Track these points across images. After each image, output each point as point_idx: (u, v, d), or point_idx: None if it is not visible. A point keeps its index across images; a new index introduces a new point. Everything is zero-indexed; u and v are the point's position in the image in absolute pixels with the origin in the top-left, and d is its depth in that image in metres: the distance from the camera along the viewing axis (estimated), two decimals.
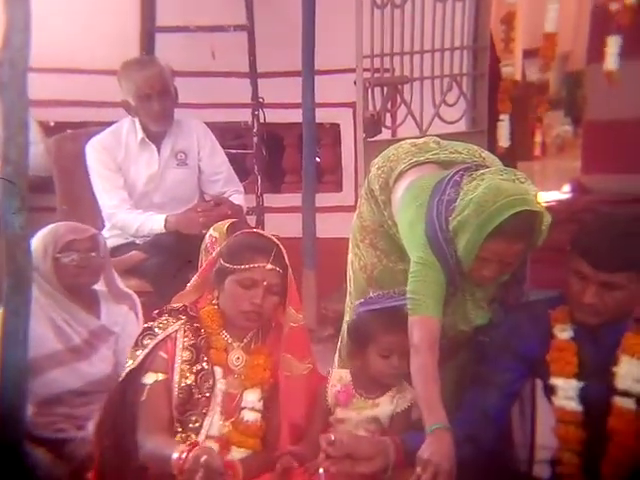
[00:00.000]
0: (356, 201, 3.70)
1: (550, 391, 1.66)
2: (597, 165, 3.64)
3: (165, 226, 2.76)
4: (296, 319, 1.91)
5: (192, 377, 1.79)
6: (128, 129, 2.86)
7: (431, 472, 1.48)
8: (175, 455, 1.60)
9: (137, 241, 2.79)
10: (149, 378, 1.79)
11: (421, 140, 2.06)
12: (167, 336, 1.82)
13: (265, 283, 1.82)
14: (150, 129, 2.83)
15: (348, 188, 4.01)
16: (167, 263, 2.63)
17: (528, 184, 1.76)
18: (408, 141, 2.06)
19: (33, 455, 1.92)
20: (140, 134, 2.84)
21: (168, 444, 1.68)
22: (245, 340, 1.88)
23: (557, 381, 1.63)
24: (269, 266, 1.82)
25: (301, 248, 3.50)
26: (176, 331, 1.83)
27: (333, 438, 1.59)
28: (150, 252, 2.71)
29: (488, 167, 1.84)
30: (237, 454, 1.80)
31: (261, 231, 1.99)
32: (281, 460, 1.75)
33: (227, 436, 1.79)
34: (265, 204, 3.61)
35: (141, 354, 1.81)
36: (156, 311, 1.90)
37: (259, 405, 1.83)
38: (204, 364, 1.81)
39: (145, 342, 1.82)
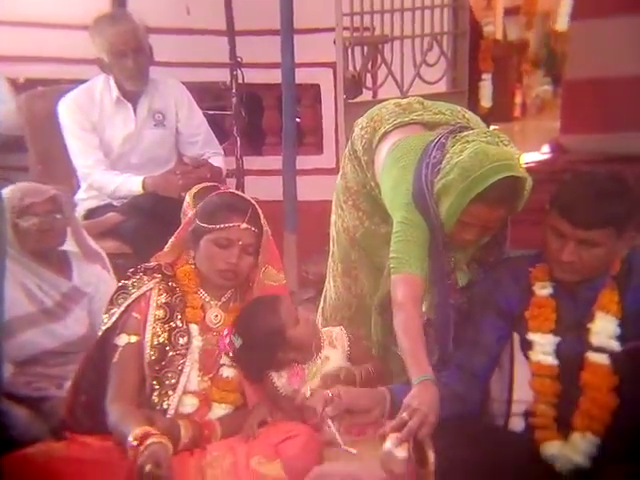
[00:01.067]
0: (337, 163, 3.69)
1: (527, 346, 1.68)
2: (576, 125, 3.65)
3: (143, 188, 2.72)
4: (277, 279, 1.93)
5: (165, 335, 1.80)
6: (102, 87, 2.79)
7: (419, 419, 1.51)
8: (130, 438, 1.62)
9: (114, 203, 2.75)
10: (122, 340, 1.80)
11: (405, 100, 2.05)
12: (141, 295, 1.83)
13: (240, 243, 1.83)
14: (125, 87, 2.77)
15: (329, 150, 3.98)
16: (145, 225, 2.60)
17: (511, 147, 1.76)
18: (392, 101, 2.05)
19: (11, 413, 1.92)
20: (115, 92, 2.78)
21: (129, 419, 1.68)
22: (223, 299, 1.89)
23: (535, 337, 1.66)
24: (244, 225, 1.83)
25: (282, 211, 3.49)
26: (150, 289, 1.84)
27: (331, 395, 1.62)
28: (128, 214, 2.68)
29: (472, 129, 1.84)
30: (219, 410, 1.83)
31: (236, 191, 1.98)
32: (253, 413, 1.79)
33: (207, 392, 1.82)
34: (245, 167, 3.58)
35: (116, 312, 1.82)
36: (131, 270, 1.91)
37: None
38: (178, 322, 1.82)
39: (119, 301, 1.83)
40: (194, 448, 1.74)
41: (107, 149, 2.78)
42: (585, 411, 1.58)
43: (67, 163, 2.79)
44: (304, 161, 3.73)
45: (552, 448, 1.60)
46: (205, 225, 1.85)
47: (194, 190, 1.99)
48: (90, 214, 2.69)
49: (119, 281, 1.91)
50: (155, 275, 1.86)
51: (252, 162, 3.79)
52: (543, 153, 3.88)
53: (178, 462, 1.68)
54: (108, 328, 1.82)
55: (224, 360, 1.85)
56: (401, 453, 1.48)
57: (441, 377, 1.72)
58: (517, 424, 1.73)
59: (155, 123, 2.81)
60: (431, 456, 1.49)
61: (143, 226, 2.60)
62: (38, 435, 1.86)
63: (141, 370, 1.78)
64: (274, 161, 3.72)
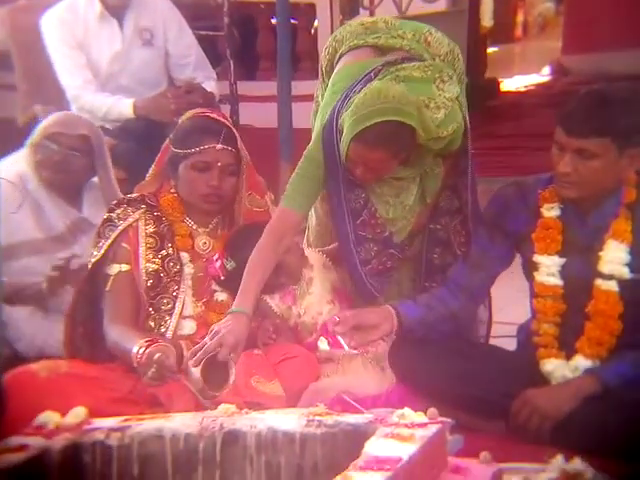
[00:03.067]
0: None
1: (533, 267, 1.68)
2: (577, 44, 3.55)
3: (134, 111, 2.66)
4: (261, 204, 1.92)
5: (158, 262, 1.82)
6: (85, 2, 2.69)
7: (218, 341, 1.58)
8: (135, 349, 1.64)
9: (107, 125, 2.69)
10: (113, 269, 1.82)
11: (371, 19, 2.02)
12: (128, 226, 1.83)
13: (219, 164, 1.81)
14: (108, 2, 2.67)
15: None
16: (139, 150, 2.56)
17: (449, 84, 1.72)
18: (358, 20, 2.01)
19: (14, 323, 1.95)
20: (98, 7, 2.68)
21: (130, 336, 1.71)
22: (211, 226, 1.89)
23: (540, 258, 1.66)
24: (219, 146, 1.80)
25: (277, 139, 3.42)
26: (137, 220, 1.84)
27: (337, 319, 1.65)
28: (120, 138, 2.63)
29: (421, 59, 1.79)
30: None
31: (210, 112, 1.93)
32: (260, 335, 1.81)
33: (204, 316, 1.84)
34: (239, 92, 3.48)
35: (104, 245, 1.82)
36: (114, 202, 1.90)
37: None
38: (169, 250, 1.83)
39: (107, 233, 1.83)
40: None
41: (95, 69, 2.70)
42: (592, 337, 1.59)
43: (56, 82, 2.71)
44: (300, 86, 3.63)
45: (551, 365, 1.63)
46: (180, 151, 1.83)
47: (186, 117, 1.94)
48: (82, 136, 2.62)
49: None
50: (140, 206, 1.86)
51: (246, 87, 3.68)
52: (543, 75, 3.79)
53: (179, 381, 1.70)
54: (97, 260, 1.82)
55: (215, 286, 1.86)
56: (197, 372, 1.57)
57: (438, 294, 1.73)
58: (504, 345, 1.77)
59: (143, 42, 2.72)
60: (232, 377, 1.57)
61: (137, 151, 2.56)
62: (43, 348, 1.88)
63: (135, 297, 1.80)
64: (269, 86, 3.62)
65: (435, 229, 1.89)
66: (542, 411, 1.55)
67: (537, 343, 1.65)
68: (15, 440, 1.13)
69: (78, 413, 1.20)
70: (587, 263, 1.61)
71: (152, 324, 1.79)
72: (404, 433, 1.08)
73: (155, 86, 2.77)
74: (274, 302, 1.90)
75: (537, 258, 1.66)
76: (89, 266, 1.85)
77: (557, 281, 1.63)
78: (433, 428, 1.11)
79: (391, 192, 1.86)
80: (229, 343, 1.59)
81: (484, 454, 1.13)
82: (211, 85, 2.84)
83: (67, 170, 2.12)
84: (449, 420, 1.18)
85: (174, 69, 2.82)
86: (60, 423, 1.18)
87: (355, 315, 1.69)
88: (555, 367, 1.62)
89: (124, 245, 1.82)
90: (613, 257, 1.59)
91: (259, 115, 3.40)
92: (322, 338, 1.84)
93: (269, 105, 3.52)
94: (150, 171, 1.93)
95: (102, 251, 1.82)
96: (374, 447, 1.05)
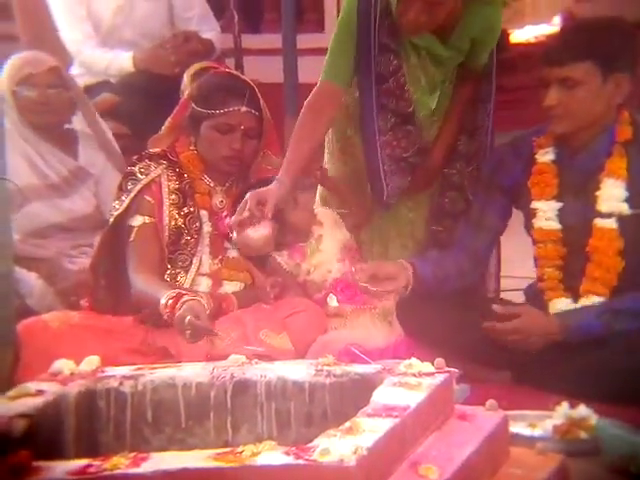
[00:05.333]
0: None
1: (532, 215, 1.68)
2: None
3: (134, 65, 2.62)
4: (273, 162, 1.90)
5: (181, 220, 1.82)
6: None
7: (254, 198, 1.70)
8: (163, 301, 1.64)
9: (111, 79, 2.66)
10: (136, 221, 1.81)
11: None
12: (151, 181, 1.82)
13: (242, 127, 1.79)
14: None
15: (330, 27, 3.79)
16: (142, 105, 2.53)
17: None
18: None
19: (27, 282, 1.97)
20: None
21: (157, 285, 1.72)
22: (227, 184, 1.88)
23: (537, 204, 1.66)
24: (244, 109, 1.79)
25: (283, 94, 3.38)
26: (159, 175, 1.83)
27: (354, 269, 1.69)
28: (122, 93, 2.60)
29: None
30: (229, 287, 1.86)
31: (232, 70, 1.91)
32: (263, 294, 1.84)
33: (218, 272, 1.85)
34: (243, 45, 3.42)
35: (127, 198, 1.81)
36: (135, 156, 1.88)
37: None
38: (191, 207, 1.83)
39: (129, 186, 1.82)
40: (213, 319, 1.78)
41: (96, 21, 2.65)
42: (594, 277, 1.60)
43: (57, 34, 2.67)
44: (305, 40, 3.56)
45: (561, 304, 1.63)
46: (203, 110, 1.80)
47: (192, 70, 1.91)
48: (87, 91, 2.60)
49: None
50: (161, 161, 1.84)
51: (250, 40, 3.62)
52: (554, 25, 3.70)
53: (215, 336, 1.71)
54: (120, 213, 1.81)
55: (228, 242, 1.86)
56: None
57: (449, 255, 1.74)
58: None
59: None
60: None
61: (139, 106, 2.53)
62: (52, 305, 1.92)
63: (160, 248, 1.80)
64: (273, 39, 3.55)
65: (450, 173, 1.89)
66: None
67: (542, 288, 1.65)
68: (31, 386, 1.15)
69: (92, 361, 1.22)
70: (584, 204, 1.60)
71: (168, 279, 1.80)
72: (412, 382, 1.10)
73: (160, 40, 2.70)
74: (282, 259, 1.91)
75: (534, 204, 1.65)
76: (111, 219, 1.84)
77: (556, 225, 1.63)
78: (440, 377, 1.12)
79: (423, 67, 1.85)
80: (270, 201, 1.67)
81: (490, 402, 1.15)
82: (215, 37, 2.79)
83: (51, 109, 2.09)
84: (456, 370, 1.20)
85: (178, 22, 2.77)
86: (74, 370, 1.20)
87: (373, 266, 1.71)
88: (565, 305, 1.62)
89: (148, 198, 1.81)
90: (611, 195, 1.58)
91: (264, 69, 3.34)
92: (331, 295, 1.87)
93: (273, 58, 3.47)
94: (166, 124, 1.90)
95: (125, 204, 1.81)
96: (382, 395, 1.06)
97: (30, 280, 1.99)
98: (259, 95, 1.82)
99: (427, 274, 1.71)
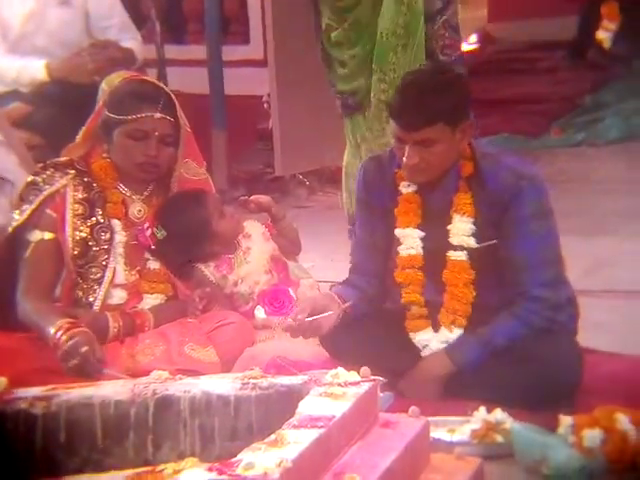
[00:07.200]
0: (265, 54, 3.53)
1: (396, 242, 1.72)
2: (503, 11, 3.62)
3: (49, 74, 2.54)
4: (197, 172, 1.88)
5: (87, 230, 1.76)
6: None
7: None
8: (52, 330, 1.59)
9: (22, 89, 2.56)
10: (35, 236, 1.74)
11: None
12: (55, 192, 1.76)
13: (157, 133, 1.76)
14: None
15: (256, 40, 3.80)
16: (57, 114, 2.45)
17: None
18: None
19: None
20: None
21: (47, 314, 1.66)
22: (145, 193, 1.84)
23: (402, 232, 1.71)
24: (158, 115, 1.75)
25: (209, 106, 3.34)
26: (65, 186, 1.77)
27: (291, 320, 1.61)
28: (36, 103, 2.52)
29: None
30: (150, 300, 1.81)
31: (148, 77, 1.88)
32: (189, 306, 1.79)
33: (136, 285, 1.79)
34: (167, 56, 3.37)
35: (27, 209, 1.75)
36: (40, 165, 1.82)
37: None
38: (99, 217, 1.77)
39: (30, 197, 1.76)
40: (127, 337, 1.73)
41: (4, 28, 2.55)
42: (450, 306, 1.66)
43: None
44: (230, 51, 3.54)
45: (421, 337, 1.67)
46: (115, 116, 1.76)
47: (110, 79, 1.87)
48: None
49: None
50: (68, 171, 1.78)
51: (174, 51, 3.57)
52: (470, 43, 3.85)
53: (109, 351, 1.67)
54: (18, 225, 1.74)
55: (149, 254, 1.81)
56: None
57: (354, 279, 1.75)
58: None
59: (59, 0, 2.58)
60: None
61: (54, 116, 2.45)
62: None
63: (56, 267, 1.74)
64: (198, 50, 3.52)
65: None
66: (413, 397, 1.56)
67: (408, 316, 1.69)
68: None
69: None
70: (441, 236, 1.67)
71: (80, 294, 1.74)
72: (337, 392, 1.09)
73: (76, 48, 2.63)
74: (209, 270, 1.87)
75: (399, 232, 1.70)
76: (9, 230, 1.76)
77: (418, 252, 1.68)
78: (365, 386, 1.13)
79: None
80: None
81: (413, 408, 1.16)
82: (136, 47, 2.74)
83: None
84: (380, 378, 1.20)
85: (96, 31, 2.69)
86: None
87: (306, 301, 1.69)
88: (424, 339, 1.67)
89: (49, 212, 1.75)
90: (458, 229, 1.65)
91: (188, 80, 3.30)
92: (259, 307, 1.85)
93: (198, 70, 3.43)
94: (80, 133, 1.84)
95: (25, 216, 1.75)
96: (308, 406, 1.06)
97: None
98: (175, 102, 1.79)
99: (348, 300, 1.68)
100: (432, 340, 1.66)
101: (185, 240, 1.81)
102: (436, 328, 1.67)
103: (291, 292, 1.86)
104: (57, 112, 2.46)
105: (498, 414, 1.42)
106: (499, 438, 1.38)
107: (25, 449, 1.10)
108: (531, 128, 3.64)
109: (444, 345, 1.64)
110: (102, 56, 2.52)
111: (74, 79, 2.52)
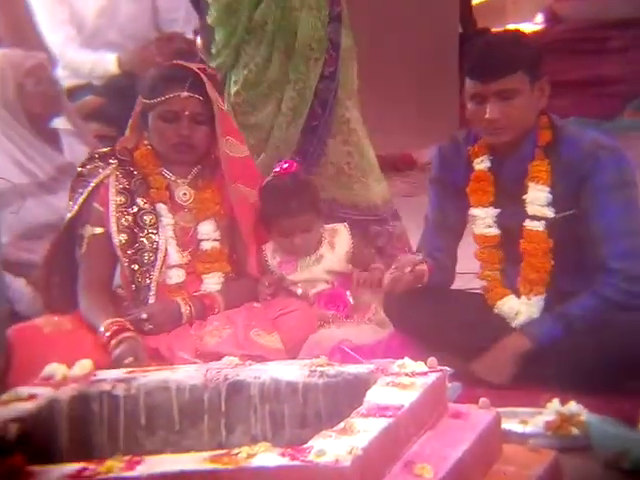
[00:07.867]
0: None
1: (470, 220, 1.73)
2: None
3: (119, 67, 2.62)
4: (240, 149, 1.88)
5: (130, 218, 1.79)
6: None
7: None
8: (101, 329, 1.66)
9: (94, 82, 2.65)
10: (87, 231, 1.81)
11: None
12: (100, 183, 1.81)
13: (187, 113, 1.77)
14: None
15: None
16: (127, 106, 2.50)
17: None
18: None
19: (15, 287, 1.96)
20: None
21: (98, 311, 1.72)
22: (190, 177, 1.86)
23: (476, 211, 1.70)
24: (185, 94, 1.77)
25: None
26: (108, 176, 1.82)
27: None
28: (107, 95, 2.60)
29: None
30: (209, 281, 1.84)
31: (179, 61, 1.89)
32: (259, 291, 1.83)
33: (190, 265, 1.83)
34: None
35: (78, 200, 1.81)
36: (86, 157, 1.88)
37: (216, 235, 1.85)
38: (141, 204, 1.80)
39: (80, 190, 1.82)
40: (199, 319, 1.78)
41: (79, 23, 2.64)
42: (527, 277, 1.65)
43: (38, 36, 2.66)
44: None
45: (503, 304, 1.67)
46: (147, 101, 1.80)
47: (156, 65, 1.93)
48: (70, 94, 2.58)
49: None
50: (110, 161, 1.83)
51: None
52: (536, 23, 3.73)
53: (177, 333, 1.73)
54: (73, 217, 1.82)
55: (201, 235, 1.84)
56: None
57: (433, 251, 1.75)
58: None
59: None
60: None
61: (125, 108, 2.50)
62: (42, 310, 1.91)
63: (110, 260, 1.79)
64: None
65: None
66: (487, 381, 1.58)
67: (485, 290, 1.70)
68: (24, 390, 1.14)
69: (84, 365, 1.21)
70: (517, 208, 1.65)
71: (140, 279, 1.78)
72: (405, 381, 1.10)
73: (144, 41, 2.70)
74: (273, 263, 1.89)
75: (473, 211, 1.70)
76: (66, 220, 1.84)
77: (494, 231, 1.68)
78: (433, 376, 1.13)
79: None
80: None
81: (483, 399, 1.16)
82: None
83: (55, 101, 2.14)
84: (448, 368, 1.20)
85: (163, 23, 2.76)
86: (67, 374, 1.19)
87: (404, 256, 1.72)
88: (507, 305, 1.66)
89: (96, 206, 1.80)
90: (535, 198, 1.63)
91: None
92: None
93: None
94: (129, 124, 1.90)
95: (76, 207, 1.82)
96: (376, 395, 1.06)
97: (19, 286, 1.97)
98: (205, 81, 1.78)
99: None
100: (521, 305, 1.64)
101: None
102: (517, 297, 1.66)
103: (348, 295, 1.86)
104: (127, 103, 2.52)
105: (573, 406, 1.39)
106: (574, 430, 1.35)
107: (109, 428, 1.16)
108: (603, 111, 3.52)
109: (529, 307, 1.63)
110: (168, 49, 2.58)
111: (142, 71, 2.59)
